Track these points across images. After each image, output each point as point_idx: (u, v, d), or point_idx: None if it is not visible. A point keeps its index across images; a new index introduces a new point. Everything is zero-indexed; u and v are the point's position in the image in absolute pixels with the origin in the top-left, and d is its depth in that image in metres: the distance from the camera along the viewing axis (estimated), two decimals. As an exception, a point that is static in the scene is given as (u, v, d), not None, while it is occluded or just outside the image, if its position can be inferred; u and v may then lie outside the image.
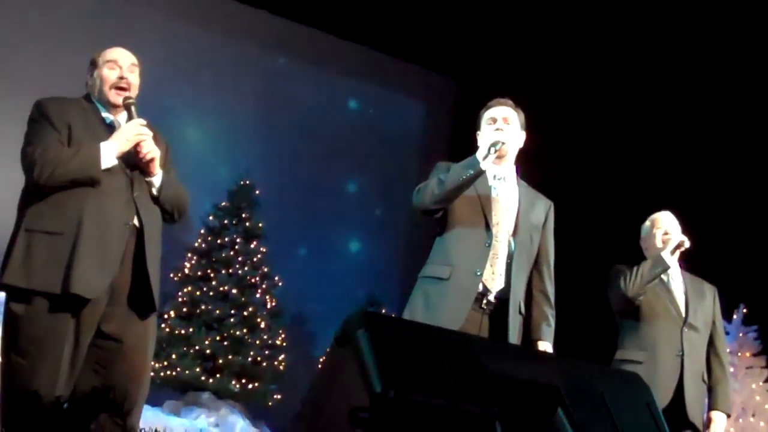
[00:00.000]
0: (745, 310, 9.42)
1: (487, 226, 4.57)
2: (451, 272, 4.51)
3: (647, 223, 5.63)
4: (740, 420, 9.32)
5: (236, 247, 10.24)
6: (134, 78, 4.33)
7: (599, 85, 10.74)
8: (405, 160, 12.33)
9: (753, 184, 9.63)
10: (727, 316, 9.37)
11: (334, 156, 11.92)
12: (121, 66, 4.30)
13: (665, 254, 5.31)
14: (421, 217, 4.68)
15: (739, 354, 9.35)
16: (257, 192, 10.60)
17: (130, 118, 4.24)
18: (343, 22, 11.43)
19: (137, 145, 4.16)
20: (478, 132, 4.80)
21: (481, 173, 4.51)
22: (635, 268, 5.32)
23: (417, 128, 12.89)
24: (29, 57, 9.90)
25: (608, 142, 10.60)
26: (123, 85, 4.27)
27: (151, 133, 4.21)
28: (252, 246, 10.34)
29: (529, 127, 4.85)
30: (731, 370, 9.26)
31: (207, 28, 11.20)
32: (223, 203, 10.43)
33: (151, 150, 4.18)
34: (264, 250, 10.40)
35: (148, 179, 4.24)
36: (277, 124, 11.57)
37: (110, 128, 4.24)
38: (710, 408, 5.42)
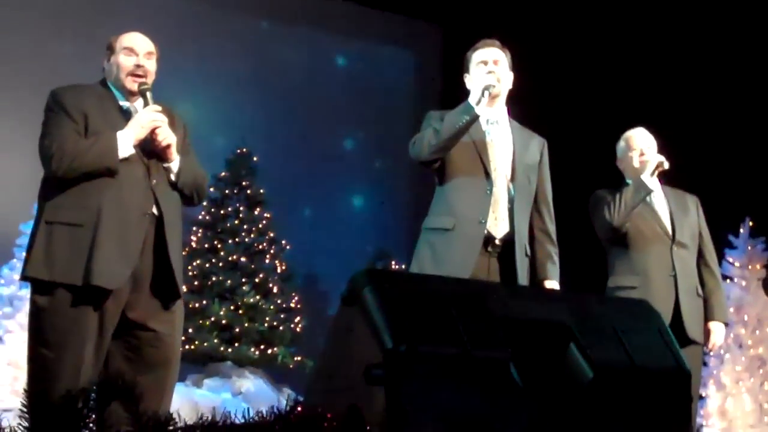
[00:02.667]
0: (751, 223, 9.42)
1: (487, 174, 4.59)
2: (455, 222, 4.54)
3: (621, 143, 5.56)
4: (757, 332, 9.37)
5: (240, 215, 10.25)
6: (151, 65, 4.35)
7: (582, 16, 10.70)
8: (398, 110, 12.29)
9: (751, 100, 9.60)
10: (733, 231, 9.42)
11: (328, 114, 11.89)
12: (137, 53, 4.31)
13: (645, 177, 5.27)
14: (421, 166, 4.69)
15: (750, 267, 9.37)
16: (255, 159, 10.58)
17: (145, 104, 4.24)
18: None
19: (153, 131, 4.17)
20: (466, 75, 4.79)
21: (476, 118, 4.52)
22: (617, 196, 5.28)
23: (407, 78, 12.84)
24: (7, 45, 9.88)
25: (592, 73, 10.58)
26: (139, 72, 4.27)
27: (166, 119, 4.21)
28: (256, 213, 10.35)
29: (517, 66, 4.84)
30: (743, 283, 9.33)
31: (186, 0, 11.15)
32: (223, 173, 10.42)
33: (167, 136, 4.19)
34: (268, 215, 10.40)
35: (165, 165, 4.24)
36: (268, 89, 11.53)
37: (126, 115, 4.25)
38: (707, 319, 5.42)
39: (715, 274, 5.55)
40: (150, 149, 4.20)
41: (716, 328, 5.44)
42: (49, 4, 10.19)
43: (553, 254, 4.75)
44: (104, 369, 4.11)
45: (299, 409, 2.43)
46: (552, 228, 4.78)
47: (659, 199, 5.45)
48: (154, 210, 4.16)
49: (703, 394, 9.23)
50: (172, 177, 4.26)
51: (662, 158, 5.30)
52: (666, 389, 3.35)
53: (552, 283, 4.70)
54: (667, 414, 3.32)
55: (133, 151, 4.12)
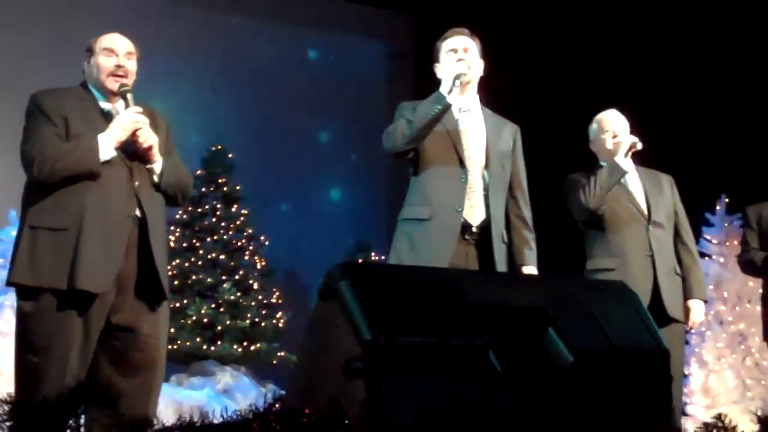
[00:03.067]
0: (727, 200, 9.46)
1: (461, 162, 4.59)
2: (431, 212, 4.54)
3: (594, 125, 5.56)
4: (737, 308, 9.40)
5: (218, 213, 10.23)
6: (131, 65, 4.33)
7: (553, 6, 10.73)
8: (372, 102, 12.28)
9: (722, 77, 9.64)
10: (710, 208, 9.45)
11: (302, 108, 11.87)
12: (117, 53, 4.29)
13: (619, 159, 5.28)
14: (395, 158, 4.69)
15: (727, 243, 9.40)
16: (231, 155, 10.56)
17: (126, 106, 4.22)
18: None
19: (134, 133, 4.15)
20: (437, 64, 4.79)
21: (448, 107, 4.52)
22: (592, 179, 5.28)
23: (380, 69, 12.83)
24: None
25: (562, 57, 10.60)
26: (120, 72, 4.25)
27: (147, 121, 4.19)
28: (233, 210, 10.34)
29: (488, 53, 4.84)
30: (721, 260, 9.37)
31: (155, -1, 11.11)
32: (199, 171, 10.38)
33: (148, 138, 4.18)
34: (245, 212, 10.39)
35: (148, 166, 4.23)
36: (240, 85, 11.51)
37: (107, 117, 4.24)
38: (686, 298, 5.43)
39: (692, 252, 5.57)
40: (132, 151, 4.18)
41: (696, 305, 5.46)
42: (16, 7, 10.13)
43: (530, 240, 4.76)
44: (89, 373, 4.11)
45: (278, 405, 2.43)
46: (528, 214, 4.79)
47: (633, 179, 5.46)
48: (137, 212, 4.16)
49: (686, 372, 9.26)
50: (155, 178, 4.25)
51: (635, 139, 5.30)
52: (645, 369, 3.36)
53: (530, 269, 4.71)
54: (647, 394, 3.34)
55: (114, 153, 4.11)
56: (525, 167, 4.87)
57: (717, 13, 9.67)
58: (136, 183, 4.16)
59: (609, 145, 5.42)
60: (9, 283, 4.12)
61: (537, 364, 3.20)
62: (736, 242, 9.27)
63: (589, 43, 10.47)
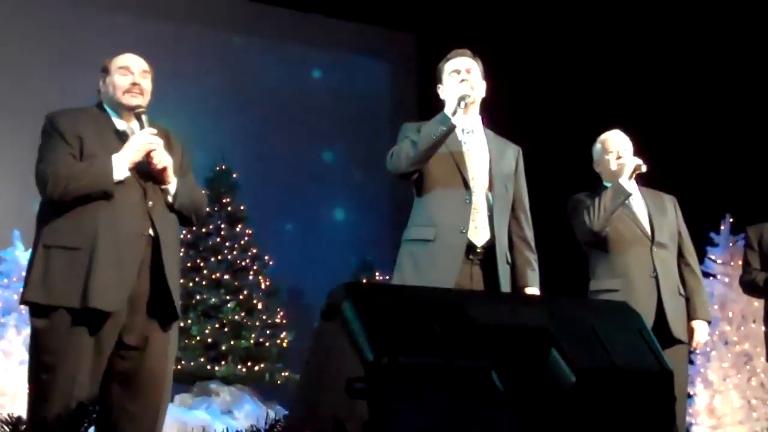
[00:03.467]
0: (731, 220, 9.45)
1: (465, 183, 4.59)
2: (436, 233, 4.54)
3: (597, 145, 5.54)
4: (742, 328, 9.38)
5: (222, 232, 10.22)
6: (147, 84, 4.35)
7: (555, 20, 10.75)
8: (376, 121, 12.30)
9: (727, 96, 9.65)
10: (714, 228, 9.44)
11: (306, 128, 11.89)
12: (133, 72, 4.31)
13: (623, 181, 5.25)
14: (399, 179, 4.68)
15: (732, 263, 9.38)
16: (235, 175, 10.56)
17: (141, 127, 4.22)
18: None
19: (148, 154, 4.16)
20: (439, 85, 4.79)
21: (453, 129, 4.53)
22: (596, 200, 5.26)
23: (383, 88, 12.85)
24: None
25: (565, 77, 10.62)
26: (136, 90, 4.27)
27: (161, 142, 4.20)
28: (237, 229, 10.33)
29: (491, 74, 4.85)
30: (726, 280, 9.35)
31: (158, 19, 11.14)
32: (203, 191, 10.38)
33: (161, 159, 4.18)
34: (250, 231, 10.38)
35: (162, 187, 4.24)
36: (245, 105, 11.54)
37: (122, 136, 4.25)
38: (690, 318, 5.41)
39: (695, 272, 5.56)
40: (146, 171, 4.19)
41: (699, 326, 5.45)
42: (25, 31, 10.17)
43: (532, 261, 4.76)
44: (98, 391, 4.12)
45: (279, 425, 2.43)
46: (530, 235, 4.79)
47: (637, 201, 5.46)
48: (151, 231, 4.16)
49: (691, 393, 9.24)
50: (169, 199, 4.26)
51: (640, 161, 5.28)
52: (649, 390, 3.35)
53: (533, 290, 4.71)
54: (650, 415, 3.33)
55: (128, 173, 4.12)
56: (527, 188, 4.87)
57: (718, 33, 9.69)
58: (150, 203, 4.17)
59: (613, 167, 5.41)
60: (23, 301, 4.14)
61: (540, 385, 3.19)
62: (741, 262, 9.24)
63: (591, 64, 10.49)
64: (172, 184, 4.26)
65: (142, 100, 4.30)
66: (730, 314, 9.41)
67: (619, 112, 9.86)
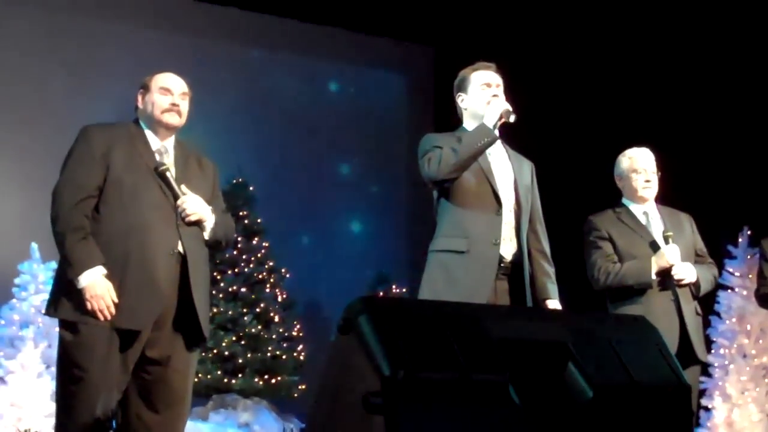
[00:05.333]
0: (749, 232, 9.41)
1: (495, 196, 4.61)
2: (469, 245, 4.54)
3: (624, 161, 5.52)
4: (760, 341, 9.32)
5: (239, 245, 10.24)
6: (185, 106, 4.44)
7: (572, 36, 10.75)
8: (392, 134, 12.32)
9: (743, 108, 9.62)
10: (732, 241, 9.40)
11: (323, 141, 11.91)
12: (173, 92, 4.39)
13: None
14: (432, 186, 4.68)
15: (750, 276, 9.32)
16: (251, 188, 10.59)
17: (166, 183, 4.21)
18: (310, 7, 11.40)
19: (183, 212, 4.20)
20: (461, 94, 4.80)
21: (495, 140, 4.58)
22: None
23: (400, 102, 12.86)
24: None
25: (581, 91, 10.63)
26: (175, 110, 4.35)
27: (188, 201, 4.20)
28: (254, 242, 10.35)
29: (508, 87, 4.86)
30: (744, 293, 9.29)
31: (176, 33, 11.18)
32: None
33: (191, 214, 4.21)
34: (266, 244, 10.40)
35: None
36: (261, 118, 11.56)
37: (156, 154, 4.28)
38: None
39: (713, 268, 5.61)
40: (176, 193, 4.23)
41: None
42: (44, 44, 10.22)
43: (551, 274, 4.77)
44: (119, 405, 4.16)
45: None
46: (547, 248, 4.80)
47: (654, 219, 5.45)
48: (180, 248, 4.18)
49: (709, 406, 9.20)
50: (206, 236, 4.30)
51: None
52: (666, 405, 3.33)
53: (554, 303, 4.71)
54: (668, 430, 3.31)
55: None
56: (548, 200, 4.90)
57: (734, 47, 9.67)
58: (179, 222, 4.20)
59: (638, 186, 5.40)
60: (51, 315, 4.19)
61: (557, 400, 3.18)
62: (758, 275, 9.21)
63: (606, 79, 10.49)
64: (208, 221, 4.29)
65: (179, 121, 4.38)
66: (749, 327, 9.35)
67: (634, 125, 9.88)
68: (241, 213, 10.39)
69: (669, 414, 3.33)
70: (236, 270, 10.16)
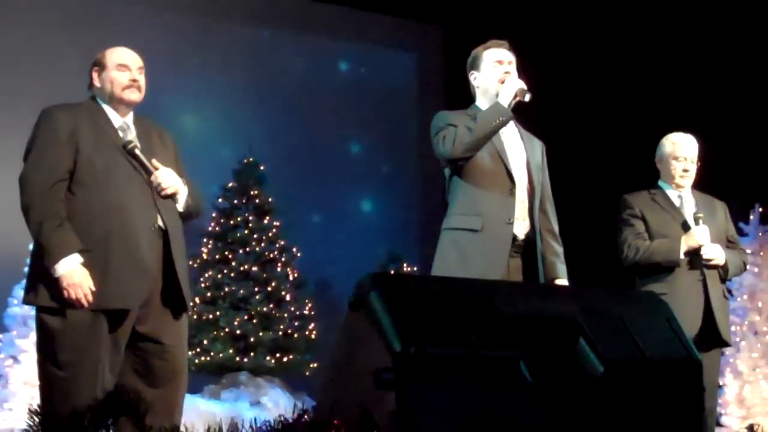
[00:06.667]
0: (761, 209, 9.39)
1: (509, 174, 4.61)
2: (483, 223, 4.54)
3: (666, 144, 5.52)
4: (772, 319, 9.34)
5: (250, 225, 10.25)
6: (143, 80, 4.37)
7: (581, 17, 10.71)
8: (403, 113, 12.30)
9: (759, 83, 9.59)
10: (743, 218, 9.38)
11: (333, 120, 11.90)
12: (131, 68, 4.32)
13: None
14: (446, 164, 4.66)
15: (762, 253, 9.33)
16: (262, 168, 10.58)
17: (139, 162, 4.18)
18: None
19: (158, 187, 4.18)
20: (473, 72, 4.79)
21: (510, 119, 4.56)
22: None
23: (410, 80, 12.83)
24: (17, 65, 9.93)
25: (592, 72, 10.59)
26: (135, 86, 4.29)
27: (161, 175, 4.19)
28: (265, 222, 10.35)
29: (518, 66, 4.83)
30: (756, 270, 9.29)
31: (185, 12, 11.16)
32: (231, 184, 10.43)
33: (167, 187, 4.20)
34: (277, 223, 10.40)
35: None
36: (272, 97, 11.55)
37: (119, 131, 4.24)
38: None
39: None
40: (149, 170, 4.21)
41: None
42: (52, 21, 10.22)
43: (560, 253, 4.78)
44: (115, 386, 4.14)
45: (306, 417, 2.44)
46: (557, 227, 4.80)
47: (688, 202, 5.46)
48: (160, 222, 4.18)
49: (721, 383, 9.20)
50: (179, 208, 4.29)
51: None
52: (677, 380, 3.34)
53: (562, 282, 4.72)
54: (679, 404, 3.32)
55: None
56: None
57: (746, 32, 9.64)
58: (155, 195, 4.19)
59: (676, 173, 5.43)
60: (32, 303, 4.14)
61: (568, 376, 3.19)
62: (770, 251, 9.22)
63: (617, 59, 10.44)
64: (181, 194, 4.28)
65: (139, 96, 4.32)
66: (760, 304, 9.36)
67: (644, 105, 9.86)
68: (252, 192, 10.40)
69: (680, 389, 3.34)
70: (247, 249, 10.17)
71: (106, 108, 4.30)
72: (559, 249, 4.77)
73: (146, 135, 4.34)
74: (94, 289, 3.99)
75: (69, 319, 4.01)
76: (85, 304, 3.98)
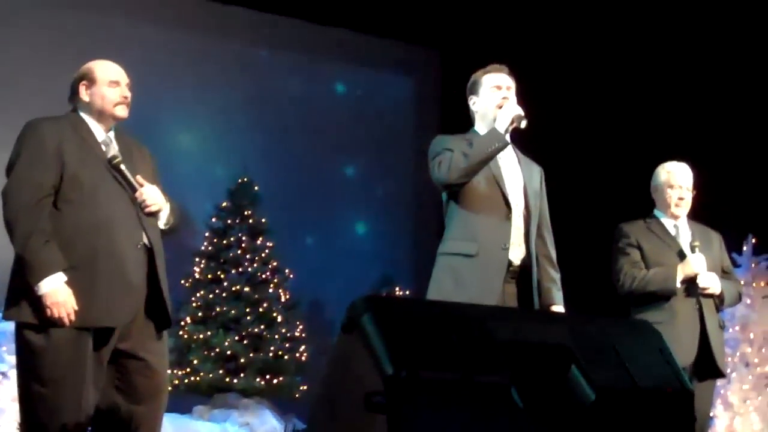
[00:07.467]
0: (754, 240, 9.39)
1: (505, 200, 4.62)
2: (478, 248, 4.54)
3: (662, 174, 5.55)
4: (763, 350, 9.30)
5: (243, 245, 10.25)
6: (130, 96, 4.35)
7: (578, 43, 10.75)
8: (398, 136, 12.32)
9: (753, 113, 9.61)
10: (737, 248, 9.38)
11: (329, 142, 11.91)
12: (121, 84, 4.32)
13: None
14: (442, 189, 4.68)
15: (754, 285, 9.32)
16: (257, 188, 10.59)
17: (124, 178, 4.17)
18: (318, 7, 11.40)
19: (143, 204, 4.18)
20: (473, 96, 4.79)
21: (506, 146, 4.57)
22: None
23: (406, 103, 12.85)
24: (11, 79, 9.92)
25: (588, 96, 10.62)
26: (126, 102, 4.29)
27: (146, 192, 4.18)
28: (258, 242, 10.35)
29: (517, 92, 4.84)
30: (748, 301, 9.28)
31: (183, 31, 11.18)
32: (225, 203, 10.43)
33: (151, 205, 4.20)
34: (270, 244, 10.40)
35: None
36: (268, 117, 11.57)
37: (102, 146, 4.23)
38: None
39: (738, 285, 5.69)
40: (133, 186, 4.20)
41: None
42: (53, 40, 10.22)
43: (557, 280, 4.78)
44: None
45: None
46: (554, 254, 4.81)
47: (684, 233, 5.48)
48: (145, 240, 4.17)
49: (711, 414, 9.18)
50: (161, 225, 4.29)
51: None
52: (668, 409, 3.33)
53: (558, 308, 4.72)
54: (670, 434, 3.31)
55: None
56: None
57: (738, 60, 9.67)
58: (139, 211, 4.18)
59: (671, 201, 5.46)
60: (12, 319, 4.09)
61: (559, 402, 3.18)
62: (763, 283, 9.21)
63: (617, 83, 10.47)
64: (164, 211, 4.28)
65: (127, 113, 4.31)
66: (752, 336, 9.33)
67: (639, 134, 9.89)
68: (245, 212, 10.40)
69: (671, 418, 3.33)
70: (240, 269, 10.17)
71: (90, 122, 4.27)
72: (556, 275, 4.77)
73: (127, 150, 4.32)
74: (77, 308, 3.96)
75: (53, 335, 3.97)
76: (67, 323, 3.94)
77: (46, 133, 4.13)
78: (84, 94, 4.30)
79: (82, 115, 4.29)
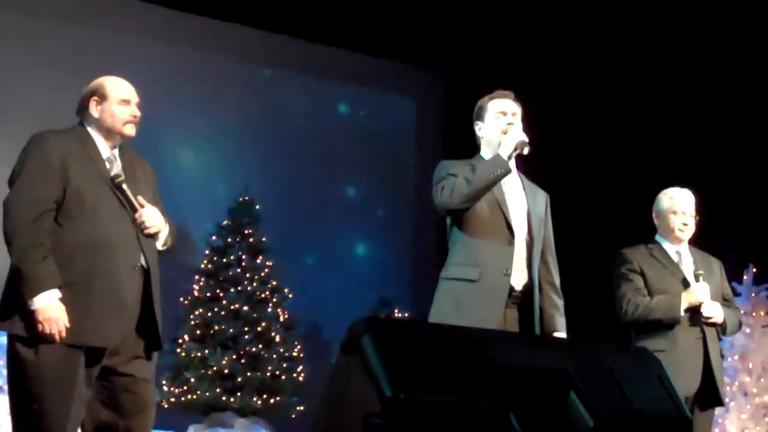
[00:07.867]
0: (754, 270, 9.39)
1: (508, 225, 4.61)
2: (480, 273, 4.54)
3: (665, 200, 5.55)
4: (762, 380, 9.30)
5: (242, 264, 10.23)
6: (139, 115, 4.34)
7: (581, 69, 10.77)
8: (401, 158, 12.34)
9: (755, 141, 9.63)
10: (737, 277, 9.37)
11: (330, 162, 11.93)
12: (131, 103, 4.30)
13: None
14: (445, 215, 4.68)
15: (754, 314, 9.31)
16: (257, 207, 10.59)
17: (125, 197, 4.15)
18: (323, 28, 11.44)
19: (142, 225, 4.16)
20: (478, 122, 4.80)
21: (509, 172, 4.56)
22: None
23: (409, 125, 12.88)
24: (15, 92, 9.93)
25: (590, 120, 10.64)
26: (135, 121, 4.27)
27: (146, 213, 4.18)
28: (258, 261, 10.34)
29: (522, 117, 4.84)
30: (747, 331, 9.27)
31: (186, 48, 11.20)
32: (225, 222, 10.42)
33: (151, 227, 4.18)
34: (270, 263, 10.39)
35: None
36: (270, 136, 11.59)
37: (106, 163, 4.21)
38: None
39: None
40: (133, 206, 4.18)
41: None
42: (53, 55, 10.24)
43: (560, 306, 4.77)
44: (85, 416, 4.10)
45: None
46: (558, 280, 4.80)
47: (686, 260, 5.47)
48: (143, 261, 4.16)
49: (709, 444, 9.16)
50: (159, 246, 4.27)
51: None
52: (667, 437, 3.33)
53: (561, 335, 4.70)
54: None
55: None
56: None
57: (740, 87, 9.69)
58: (139, 233, 4.16)
59: (675, 227, 5.45)
60: (5, 330, 4.07)
61: (558, 427, 3.17)
62: (763, 313, 9.21)
63: (618, 115, 10.49)
64: (163, 233, 4.27)
65: (135, 131, 4.29)
66: (750, 365, 9.32)
67: (640, 160, 9.89)
68: (245, 231, 10.39)
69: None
70: (239, 288, 10.15)
71: (96, 137, 4.24)
72: (560, 302, 4.76)
73: (130, 167, 4.30)
74: (69, 325, 3.94)
75: (43, 351, 3.95)
76: (58, 339, 3.92)
77: (51, 147, 4.10)
78: (94, 110, 4.27)
79: (89, 130, 4.27)
